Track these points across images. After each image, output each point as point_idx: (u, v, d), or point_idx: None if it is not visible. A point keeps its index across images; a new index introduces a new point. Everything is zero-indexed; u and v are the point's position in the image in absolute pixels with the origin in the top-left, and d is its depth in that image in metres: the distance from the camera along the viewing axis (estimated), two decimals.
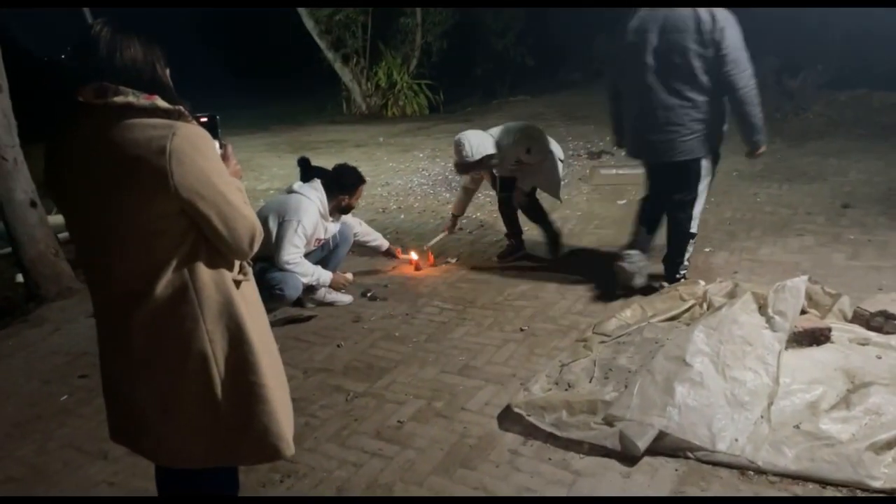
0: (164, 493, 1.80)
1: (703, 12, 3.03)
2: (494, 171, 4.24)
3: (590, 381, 2.68)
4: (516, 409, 2.52)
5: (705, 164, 3.36)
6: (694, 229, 3.48)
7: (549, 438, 2.38)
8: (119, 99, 1.44)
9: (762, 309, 2.87)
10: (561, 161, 4.35)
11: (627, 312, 3.23)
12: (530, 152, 4.04)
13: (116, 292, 1.53)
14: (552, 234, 4.39)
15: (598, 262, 4.14)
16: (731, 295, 3.17)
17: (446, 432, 2.51)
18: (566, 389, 2.65)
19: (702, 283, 3.42)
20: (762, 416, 2.35)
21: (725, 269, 3.80)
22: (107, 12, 1.72)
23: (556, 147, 4.29)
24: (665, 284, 3.54)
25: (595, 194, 5.72)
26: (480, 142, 4.00)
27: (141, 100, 1.46)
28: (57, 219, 4.87)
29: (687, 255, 3.55)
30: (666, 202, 3.48)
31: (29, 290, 4.48)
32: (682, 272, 3.57)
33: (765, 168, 6.06)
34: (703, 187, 3.39)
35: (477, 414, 2.62)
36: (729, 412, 2.35)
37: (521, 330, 3.32)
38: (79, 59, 1.49)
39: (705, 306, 3.20)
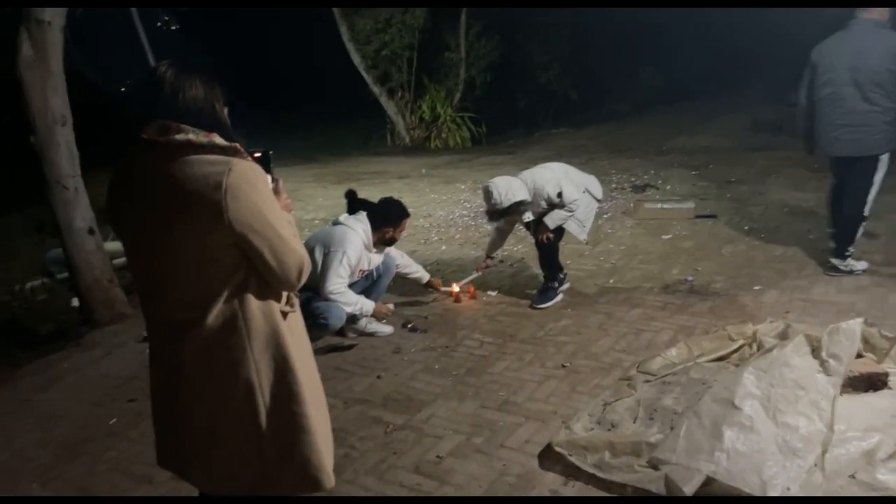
0: None
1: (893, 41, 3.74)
2: (525, 217, 4.15)
3: (634, 422, 2.61)
4: (557, 448, 2.47)
5: (884, 159, 3.97)
6: (866, 212, 4.12)
7: (591, 480, 2.33)
8: (180, 137, 1.51)
9: (815, 352, 2.76)
10: (598, 201, 4.28)
11: (673, 351, 3.16)
12: (562, 195, 3.99)
13: (169, 319, 1.58)
14: (551, 284, 4.21)
15: (640, 298, 4.07)
16: (783, 336, 3.07)
17: (485, 469, 2.48)
18: (609, 429, 2.59)
19: (750, 323, 3.32)
20: (815, 465, 2.25)
21: (776, 309, 3.69)
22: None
23: (594, 185, 4.23)
24: (835, 262, 4.14)
25: (639, 228, 5.65)
26: (509, 188, 3.94)
27: (200, 137, 1.52)
28: (112, 245, 5.07)
29: (858, 234, 4.17)
30: (848, 189, 4.11)
31: (83, 314, 4.65)
32: (850, 250, 4.13)
33: (817, 203, 5.89)
34: (878, 178, 4.02)
35: (517, 451, 2.58)
36: (780, 459, 2.25)
37: (563, 366, 3.27)
38: (144, 98, 1.57)
39: (755, 347, 3.10)
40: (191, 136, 1.51)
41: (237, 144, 1.57)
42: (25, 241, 7.32)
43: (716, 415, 2.43)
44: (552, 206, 4.03)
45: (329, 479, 1.67)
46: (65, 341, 4.44)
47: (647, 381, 2.92)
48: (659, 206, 6.03)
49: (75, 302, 4.87)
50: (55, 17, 4.39)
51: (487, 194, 3.99)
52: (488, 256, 4.53)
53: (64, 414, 3.35)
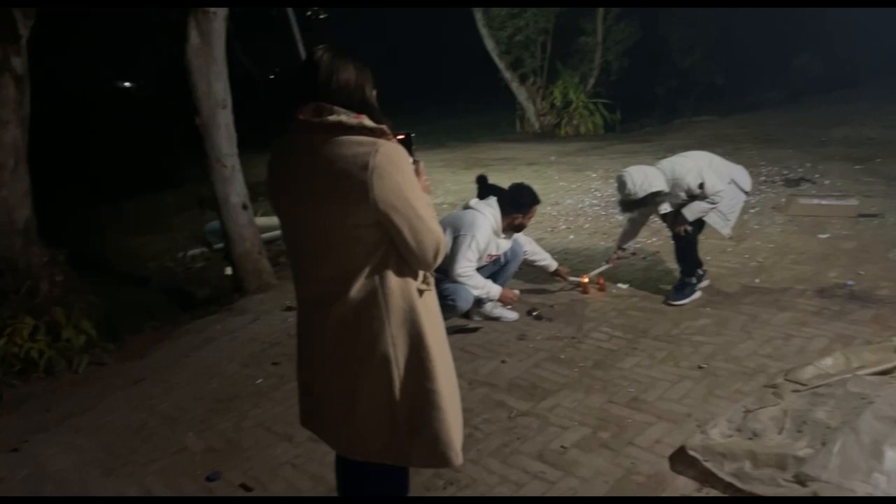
0: (341, 482, 1.92)
1: None
2: (661, 208, 3.92)
3: (779, 433, 2.42)
4: (692, 452, 2.35)
5: None
6: None
7: (728, 489, 2.19)
8: (333, 118, 1.58)
9: None
10: (746, 193, 3.98)
11: (828, 361, 2.88)
12: (704, 186, 3.74)
13: (317, 291, 1.68)
14: (688, 279, 3.96)
15: (791, 301, 3.75)
16: None
17: (612, 465, 2.41)
18: (750, 438, 2.42)
19: None
20: None
21: None
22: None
23: (742, 176, 3.94)
24: None
25: (792, 225, 5.19)
26: (645, 177, 3.74)
27: (351, 119, 1.59)
28: (262, 220, 5.49)
29: None
30: None
31: (235, 282, 5.08)
32: None
33: None
34: None
35: (646, 451, 2.48)
36: None
37: (700, 367, 3.09)
38: (301, 81, 1.66)
39: None
40: (342, 118, 1.58)
41: (384, 126, 1.62)
42: (186, 214, 8.11)
43: (877, 433, 2.19)
44: (692, 197, 3.80)
45: (458, 457, 1.70)
46: (218, 306, 4.89)
47: (796, 391, 2.68)
48: (816, 201, 5.49)
49: (228, 270, 5.33)
50: (220, 7, 4.77)
51: (621, 184, 3.83)
52: (620, 248, 4.37)
53: (217, 371, 3.68)
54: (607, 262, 4.38)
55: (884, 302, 3.60)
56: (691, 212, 3.81)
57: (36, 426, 3.31)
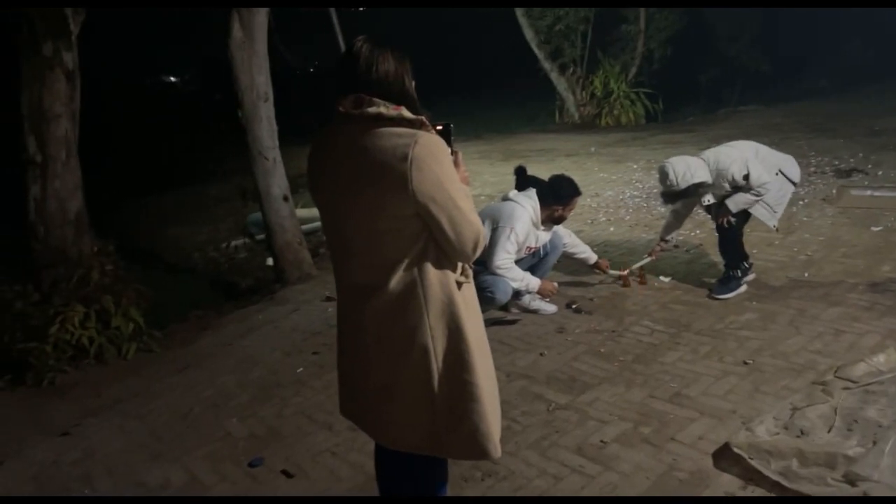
0: (380, 471, 1.94)
1: None
2: (704, 199, 3.85)
3: (828, 431, 2.34)
4: (736, 450, 2.29)
5: None
6: None
7: (775, 488, 2.13)
8: (372, 109, 1.58)
9: None
10: (794, 184, 3.84)
11: (881, 357, 2.77)
12: (749, 178, 3.62)
13: (357, 282, 1.69)
14: (733, 273, 3.84)
15: (841, 295, 3.62)
16: None
17: (653, 461, 2.38)
18: (798, 436, 2.35)
19: None
20: None
21: None
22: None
23: (790, 167, 3.81)
24: None
25: (843, 218, 5.00)
26: (688, 168, 3.66)
27: (390, 110, 1.59)
28: (303, 212, 5.57)
29: None
30: None
31: (276, 272, 5.17)
32: None
33: None
34: None
35: (689, 447, 2.44)
36: None
37: (745, 363, 3.01)
38: (341, 72, 1.66)
39: None
40: (381, 109, 1.58)
41: (423, 117, 1.61)
42: (230, 206, 8.27)
43: None
44: (737, 188, 3.69)
45: (496, 449, 1.69)
46: (260, 295, 4.98)
47: (847, 388, 2.59)
48: (869, 192, 5.29)
49: (270, 261, 5.43)
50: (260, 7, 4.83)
51: (663, 174, 3.76)
52: (662, 240, 4.29)
53: (259, 360, 3.76)
54: (649, 255, 4.30)
55: None
56: (735, 203, 3.71)
57: (86, 411, 3.44)
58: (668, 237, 4.28)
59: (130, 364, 4.06)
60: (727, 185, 3.70)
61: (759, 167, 3.66)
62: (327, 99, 1.70)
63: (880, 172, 6.22)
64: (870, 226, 4.72)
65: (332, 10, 6.28)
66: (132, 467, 2.82)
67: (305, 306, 4.50)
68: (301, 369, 3.52)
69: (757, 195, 3.68)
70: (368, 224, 1.62)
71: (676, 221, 4.23)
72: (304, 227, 5.38)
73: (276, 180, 5.02)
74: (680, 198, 3.86)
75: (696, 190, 3.72)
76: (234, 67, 4.87)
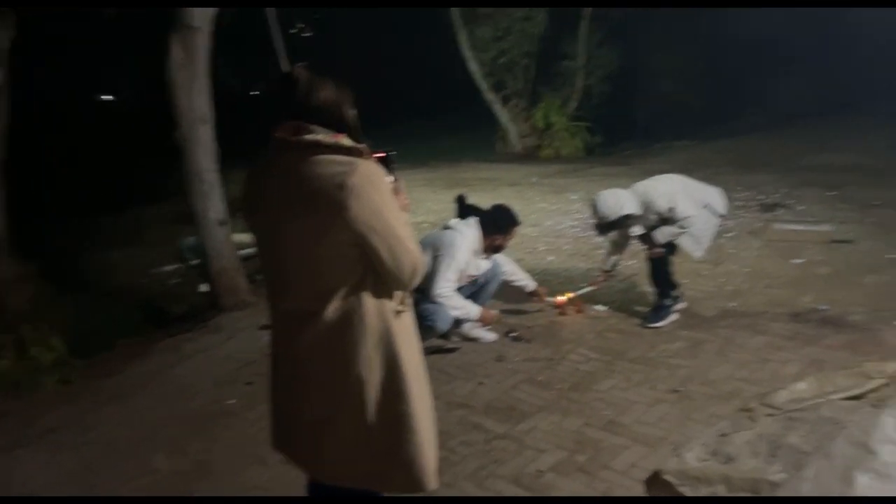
0: None
1: None
2: (633, 231, 4.00)
3: (754, 457, 2.42)
4: (666, 477, 2.33)
5: None
6: None
7: None
8: (310, 137, 1.58)
9: None
10: (721, 217, 4.01)
11: (802, 385, 2.88)
12: (674, 210, 3.78)
13: (292, 310, 1.66)
14: (664, 302, 3.99)
15: (765, 325, 3.79)
16: None
17: (588, 489, 2.40)
18: (725, 462, 2.41)
19: (893, 361, 2.99)
20: None
21: None
22: None
23: (716, 199, 3.98)
24: None
25: (767, 250, 5.26)
26: (617, 201, 3.82)
27: (329, 138, 1.59)
28: (240, 237, 5.42)
29: None
30: None
31: (211, 299, 5.01)
32: None
33: None
34: None
35: (621, 475, 2.48)
36: None
37: (675, 391, 3.10)
38: (278, 99, 1.65)
39: None
40: (319, 137, 1.58)
41: (362, 146, 1.61)
42: (163, 230, 8.00)
43: (849, 458, 2.19)
44: (664, 220, 3.85)
45: (432, 481, 1.68)
46: (193, 323, 4.80)
47: (771, 415, 2.69)
48: (790, 227, 5.60)
49: (204, 287, 5.25)
50: (204, 23, 4.76)
51: (594, 207, 3.91)
52: (605, 271, 4.37)
53: (189, 390, 3.61)
54: (591, 285, 4.39)
55: (856, 327, 3.65)
56: (662, 235, 3.87)
57: (14, 442, 3.21)
58: (609, 267, 4.38)
59: (50, 396, 3.83)
60: (654, 217, 3.85)
61: (685, 201, 3.82)
62: (266, 125, 1.68)
63: (802, 207, 6.59)
64: (791, 258, 4.98)
65: (276, 34, 6.25)
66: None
67: (240, 334, 4.37)
68: (234, 400, 3.40)
69: (682, 228, 3.82)
70: (305, 252, 1.60)
71: (616, 250, 4.35)
72: (241, 252, 5.24)
73: (213, 204, 4.89)
74: (611, 229, 4.00)
75: (625, 221, 3.86)
76: (173, 88, 4.76)
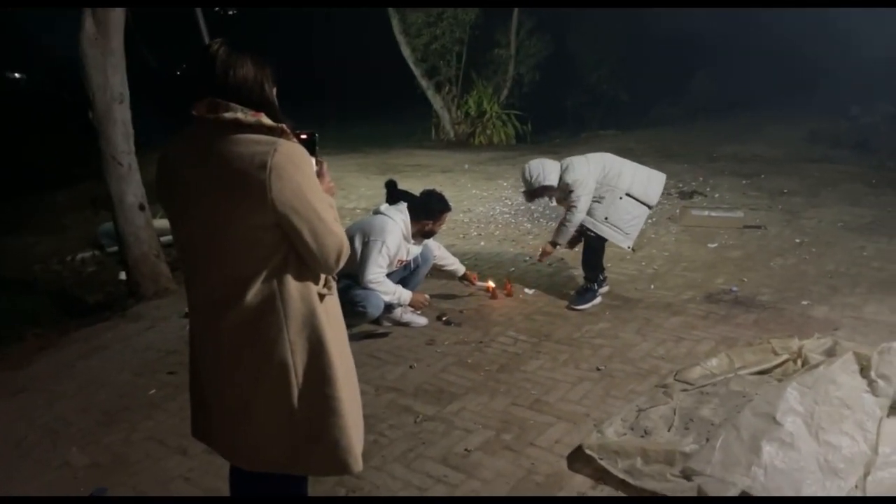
0: (235, 494, 1.85)
1: None
2: (551, 202, 4.17)
3: (668, 430, 2.55)
4: (588, 451, 2.43)
5: None
6: None
7: (621, 486, 2.28)
8: (228, 115, 1.52)
9: (864, 371, 2.65)
10: (644, 205, 3.97)
11: (713, 361, 3.07)
12: (572, 193, 3.87)
13: (210, 296, 1.61)
14: (590, 285, 4.08)
15: (682, 305, 3.97)
16: (830, 353, 2.95)
17: (513, 466, 2.46)
18: (642, 436, 2.53)
19: (797, 338, 3.21)
20: (856, 486, 2.17)
21: (825, 325, 3.55)
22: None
23: (647, 188, 3.98)
24: None
25: (685, 235, 5.52)
26: (541, 171, 3.95)
27: (248, 116, 1.54)
28: (161, 222, 5.21)
29: None
30: None
31: (129, 287, 4.80)
32: None
33: (874, 220, 5.67)
34: None
35: (546, 451, 2.55)
36: (820, 478, 2.17)
37: (598, 369, 3.22)
38: (195, 75, 1.59)
39: (800, 363, 2.99)
40: (239, 115, 1.53)
41: (283, 125, 1.57)
42: (78, 215, 7.59)
43: (755, 429, 2.35)
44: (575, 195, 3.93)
45: (357, 463, 1.67)
46: (111, 312, 4.59)
47: (685, 391, 2.84)
48: (706, 213, 5.87)
49: (123, 275, 5.02)
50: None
51: (522, 173, 4.08)
52: (552, 243, 4.16)
53: (106, 382, 3.45)
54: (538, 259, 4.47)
55: (764, 307, 3.89)
56: (587, 222, 3.94)
57: None
58: (560, 241, 4.14)
59: None
60: (566, 192, 3.95)
61: (587, 182, 3.87)
62: (182, 103, 1.61)
63: (717, 195, 6.94)
64: (707, 243, 5.24)
65: (199, 11, 6.00)
66: None
67: (161, 323, 4.21)
68: (154, 391, 3.28)
69: (571, 206, 3.90)
70: (224, 235, 1.55)
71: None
72: (163, 238, 5.03)
73: (132, 187, 4.67)
74: (535, 197, 4.12)
75: (546, 192, 3.97)
76: (85, 65, 4.50)
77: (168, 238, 5.28)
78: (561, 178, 3.94)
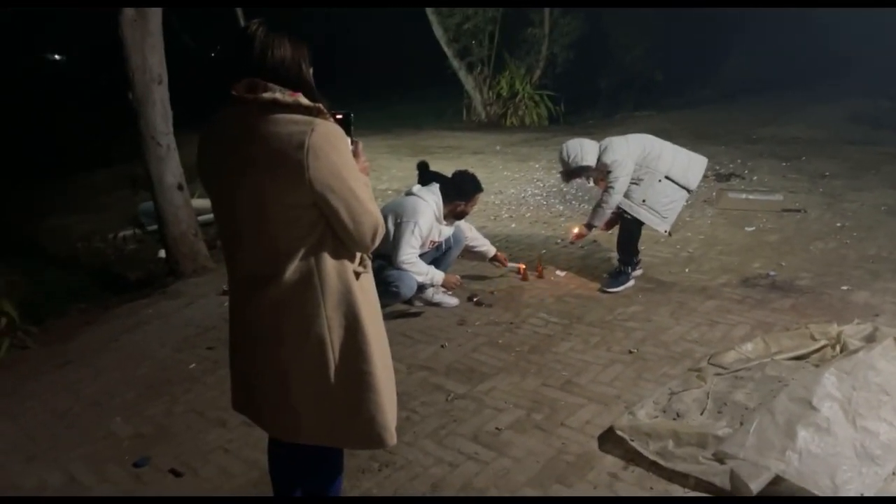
0: (274, 464, 1.91)
1: None
2: (589, 182, 4.14)
3: (701, 414, 2.54)
4: (619, 433, 2.44)
5: None
6: None
7: (653, 467, 2.29)
8: (267, 95, 1.54)
9: None
10: (683, 188, 3.91)
11: (749, 346, 3.03)
12: (610, 172, 3.81)
13: (250, 273, 1.64)
14: (624, 268, 4.03)
15: (717, 289, 3.92)
16: (870, 339, 2.89)
17: (544, 445, 2.48)
18: (674, 419, 2.53)
19: (835, 323, 3.14)
20: (894, 473, 2.14)
21: (865, 311, 3.47)
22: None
23: (688, 173, 3.90)
24: None
25: (721, 218, 5.42)
26: (580, 150, 3.89)
27: (286, 96, 1.56)
28: (199, 202, 5.32)
29: None
30: None
31: (169, 265, 4.92)
32: None
33: None
34: None
35: (577, 431, 2.56)
36: (857, 464, 2.15)
37: (630, 352, 3.21)
38: (234, 56, 1.61)
39: (838, 349, 2.93)
40: (277, 95, 1.55)
41: (320, 105, 1.59)
42: (119, 194, 7.78)
43: (791, 414, 2.33)
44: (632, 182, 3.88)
45: (392, 438, 1.71)
46: (151, 289, 4.72)
47: (719, 374, 2.82)
48: (744, 196, 5.76)
49: (162, 253, 5.15)
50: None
51: (560, 153, 4.02)
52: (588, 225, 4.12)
53: (148, 356, 3.57)
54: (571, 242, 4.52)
55: (802, 291, 3.81)
56: (623, 204, 3.88)
57: None
58: (596, 223, 4.08)
59: (3, 361, 3.74)
60: (604, 172, 3.89)
61: (627, 165, 3.80)
62: (221, 83, 1.64)
63: (755, 177, 6.78)
64: (744, 226, 5.14)
65: None
66: (4, 470, 2.61)
67: (200, 300, 4.32)
68: (193, 365, 3.38)
69: (609, 186, 3.85)
70: (263, 213, 1.58)
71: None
72: (201, 217, 5.14)
73: (170, 167, 4.78)
74: (572, 177, 4.08)
75: (585, 173, 3.93)
76: (124, 47, 4.58)
77: (206, 217, 5.40)
78: (599, 159, 3.89)
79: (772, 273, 4.12)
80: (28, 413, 3.07)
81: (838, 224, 5.07)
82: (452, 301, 3.96)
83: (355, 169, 1.61)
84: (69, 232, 6.67)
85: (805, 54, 13.32)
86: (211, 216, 5.58)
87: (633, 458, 2.35)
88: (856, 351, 2.66)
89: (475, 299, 3.99)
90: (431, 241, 3.85)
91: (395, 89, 16.16)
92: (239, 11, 6.12)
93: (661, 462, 2.29)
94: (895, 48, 11.52)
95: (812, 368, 2.74)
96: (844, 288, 3.82)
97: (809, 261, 4.32)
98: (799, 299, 3.70)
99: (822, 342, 3.00)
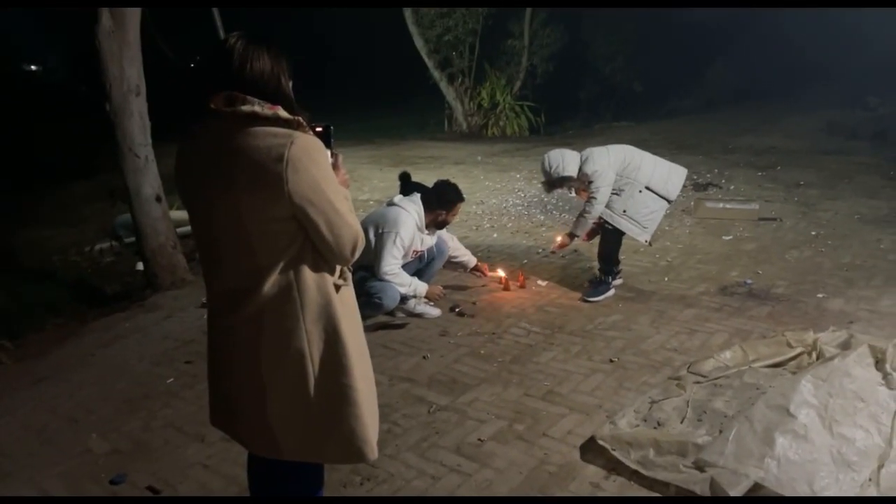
0: (253, 481, 1.88)
1: None
2: (571, 192, 4.14)
3: (681, 422, 2.56)
4: (601, 442, 2.45)
5: None
6: None
7: (634, 476, 2.30)
8: (245, 108, 1.54)
9: (879, 364, 2.65)
10: (663, 199, 3.94)
11: (727, 354, 3.06)
12: (592, 184, 3.85)
13: (228, 286, 1.63)
14: (605, 277, 4.07)
15: (696, 298, 3.96)
16: (845, 346, 2.94)
17: (526, 456, 2.48)
18: (655, 427, 2.54)
19: (811, 331, 3.19)
20: (870, 479, 2.17)
21: (840, 318, 3.53)
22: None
23: (667, 183, 3.94)
24: None
25: (699, 227, 5.49)
26: (561, 161, 3.92)
27: (265, 109, 1.55)
28: (177, 214, 5.26)
29: None
30: None
31: (147, 278, 4.86)
32: None
33: (891, 212, 5.61)
34: None
35: (559, 441, 2.57)
36: (834, 471, 2.18)
37: (611, 361, 3.23)
38: (212, 68, 1.60)
39: (814, 356, 2.98)
40: (256, 108, 1.54)
41: (300, 118, 1.59)
42: (96, 206, 7.68)
43: (769, 421, 2.35)
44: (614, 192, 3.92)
45: (372, 452, 1.70)
46: (129, 302, 4.66)
47: (698, 383, 2.85)
48: (721, 205, 5.84)
49: (140, 266, 5.09)
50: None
51: (541, 164, 4.04)
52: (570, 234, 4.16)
53: (125, 370, 3.51)
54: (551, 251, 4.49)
55: (778, 299, 3.87)
56: (605, 214, 3.94)
57: None
58: (578, 233, 4.13)
59: None
60: (585, 182, 3.93)
61: (608, 176, 3.84)
62: (199, 95, 1.63)
63: (732, 187, 6.89)
64: (721, 235, 5.21)
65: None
66: None
67: (179, 313, 4.27)
68: (171, 379, 3.34)
69: (591, 197, 3.89)
70: (242, 226, 1.56)
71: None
72: (179, 229, 5.09)
73: (148, 179, 4.73)
74: (554, 187, 4.09)
75: (566, 183, 3.96)
76: (101, 58, 4.54)
77: (185, 229, 5.35)
78: (580, 169, 3.92)
79: (749, 281, 4.18)
80: (2, 430, 3.00)
81: (813, 233, 5.16)
82: (435, 312, 3.96)
83: (335, 182, 1.61)
84: (46, 245, 6.57)
85: (784, 64, 13.59)
86: (189, 228, 5.53)
87: (614, 467, 2.36)
88: (831, 358, 2.70)
89: (457, 310, 3.99)
90: (414, 251, 3.86)
91: (377, 100, 16.19)
92: (218, 20, 6.09)
93: (643, 471, 2.30)
94: (873, 55, 11.80)
95: (789, 376, 2.78)
96: (820, 296, 3.88)
97: (785, 269, 4.39)
98: (776, 307, 3.76)
99: (799, 349, 3.04)
